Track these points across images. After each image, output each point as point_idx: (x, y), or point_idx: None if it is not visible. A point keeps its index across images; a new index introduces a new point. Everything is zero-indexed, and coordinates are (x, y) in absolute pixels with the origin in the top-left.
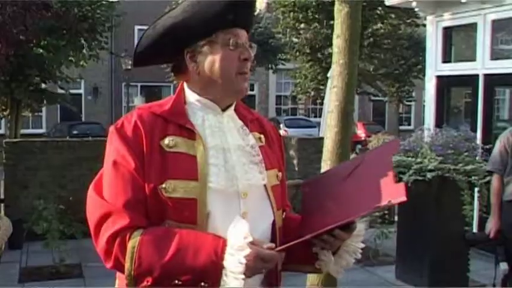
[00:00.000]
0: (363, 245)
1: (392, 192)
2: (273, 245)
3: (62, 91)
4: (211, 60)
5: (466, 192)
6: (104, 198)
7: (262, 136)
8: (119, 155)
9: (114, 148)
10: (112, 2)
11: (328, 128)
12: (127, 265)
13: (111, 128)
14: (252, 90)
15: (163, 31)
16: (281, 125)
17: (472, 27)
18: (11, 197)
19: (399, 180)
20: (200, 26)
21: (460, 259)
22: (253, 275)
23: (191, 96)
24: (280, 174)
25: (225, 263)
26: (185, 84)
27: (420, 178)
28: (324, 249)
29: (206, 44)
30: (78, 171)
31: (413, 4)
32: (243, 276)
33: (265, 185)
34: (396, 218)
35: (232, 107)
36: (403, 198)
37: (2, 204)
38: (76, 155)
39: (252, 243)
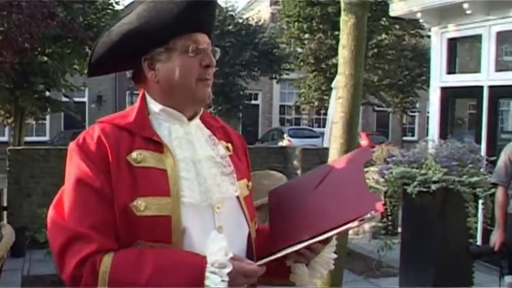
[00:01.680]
0: (335, 256)
1: (367, 204)
2: (253, 262)
3: (66, 99)
4: (170, 68)
5: (470, 204)
6: (67, 221)
7: (229, 145)
8: (82, 174)
9: (76, 166)
10: (117, 10)
11: (334, 139)
12: None
13: (72, 145)
14: (256, 99)
15: (118, 39)
16: (285, 135)
17: (477, 38)
18: (14, 205)
19: (404, 191)
20: (157, 32)
21: (464, 271)
22: None
23: (154, 105)
24: (250, 184)
25: (207, 281)
26: (146, 93)
27: (424, 189)
28: (297, 262)
29: (164, 51)
30: None
31: (418, 15)
32: None
33: (237, 197)
34: (400, 230)
35: (198, 116)
36: (380, 209)
37: (5, 212)
38: None
39: (232, 259)
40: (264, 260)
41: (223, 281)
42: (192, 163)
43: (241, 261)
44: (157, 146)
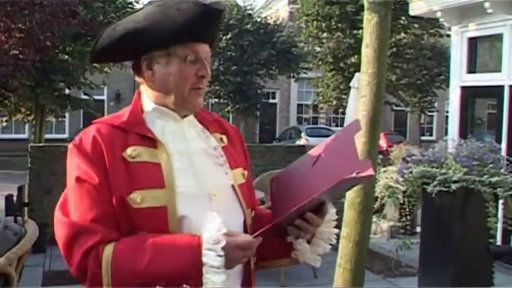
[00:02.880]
0: (336, 230)
1: (359, 167)
2: (248, 235)
3: (86, 97)
4: (166, 72)
5: (490, 204)
6: (71, 217)
7: (224, 136)
8: (81, 172)
9: (75, 165)
10: (137, 9)
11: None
12: (105, 280)
13: (70, 146)
14: (274, 98)
15: (122, 35)
16: (302, 134)
17: (498, 37)
18: (35, 201)
19: (423, 191)
20: (159, 37)
21: (484, 272)
22: (234, 266)
23: (148, 104)
24: (246, 172)
25: (204, 258)
26: (142, 91)
27: (445, 189)
28: (298, 238)
29: (163, 55)
30: None
31: (438, 14)
32: (224, 270)
33: (232, 185)
34: (418, 229)
35: (191, 114)
36: (371, 172)
37: (26, 208)
38: None
39: (226, 234)
40: (258, 232)
41: (219, 255)
42: (185, 155)
43: (235, 236)
44: (151, 141)
